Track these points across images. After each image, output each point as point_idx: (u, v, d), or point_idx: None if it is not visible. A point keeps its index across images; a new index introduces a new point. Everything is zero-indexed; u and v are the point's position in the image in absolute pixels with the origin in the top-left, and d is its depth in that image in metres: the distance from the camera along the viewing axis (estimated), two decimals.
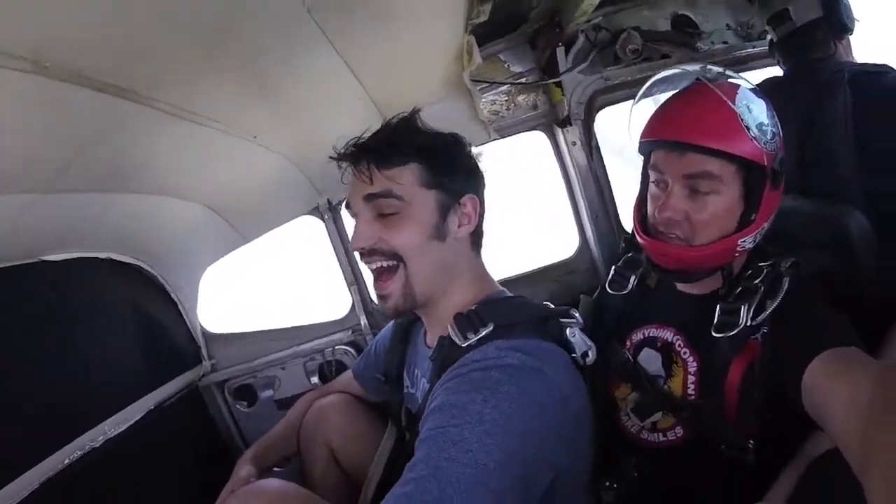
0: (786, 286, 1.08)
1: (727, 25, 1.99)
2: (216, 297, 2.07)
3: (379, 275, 1.15)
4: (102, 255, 1.63)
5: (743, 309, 1.09)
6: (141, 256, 1.77)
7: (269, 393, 2.05)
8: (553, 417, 0.95)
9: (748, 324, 1.07)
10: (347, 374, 1.72)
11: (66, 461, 1.35)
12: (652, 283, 1.39)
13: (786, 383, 0.97)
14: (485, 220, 1.23)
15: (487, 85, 1.96)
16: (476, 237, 1.22)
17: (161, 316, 1.89)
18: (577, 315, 1.12)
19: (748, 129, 1.09)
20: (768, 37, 1.72)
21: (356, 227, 1.14)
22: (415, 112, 1.19)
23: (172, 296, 1.91)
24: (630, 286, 1.38)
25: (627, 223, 2.02)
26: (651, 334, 1.30)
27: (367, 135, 1.15)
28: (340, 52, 1.28)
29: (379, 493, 1.44)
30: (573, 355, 1.07)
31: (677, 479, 1.19)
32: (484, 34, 1.75)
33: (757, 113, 1.12)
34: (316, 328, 2.08)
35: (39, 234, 1.32)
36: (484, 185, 1.24)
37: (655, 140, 1.19)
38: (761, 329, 1.09)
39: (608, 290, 1.42)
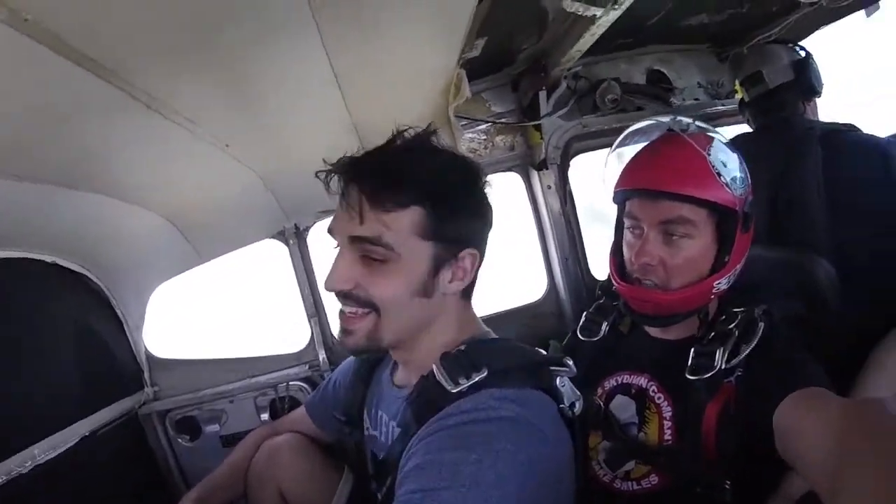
0: (760, 331, 1.11)
1: (698, 83, 2.10)
2: (164, 318, 1.93)
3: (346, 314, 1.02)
4: (48, 259, 1.50)
5: (718, 352, 1.10)
6: (88, 265, 1.64)
7: (214, 428, 1.90)
8: (544, 473, 0.88)
9: (723, 367, 1.09)
10: (300, 411, 1.59)
11: None
12: (625, 328, 1.39)
13: (758, 424, 0.98)
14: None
15: (468, 122, 1.96)
16: (468, 289, 1.08)
17: (104, 333, 1.75)
18: (570, 364, 1.02)
19: (719, 175, 1.14)
20: (737, 96, 1.81)
21: (335, 263, 0.99)
22: (431, 133, 1.03)
23: (118, 312, 1.77)
24: (602, 332, 1.38)
25: (596, 270, 2.05)
26: (624, 381, 1.29)
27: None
28: (333, 64, 1.20)
29: None
30: (560, 406, 0.97)
31: None
32: (469, 72, 1.76)
33: (725, 159, 1.17)
34: (270, 360, 1.97)
35: None
36: (490, 226, 1.07)
37: (631, 189, 1.23)
38: (735, 372, 1.10)
39: (579, 336, 1.41)
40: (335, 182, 1.01)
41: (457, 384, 0.92)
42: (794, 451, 0.88)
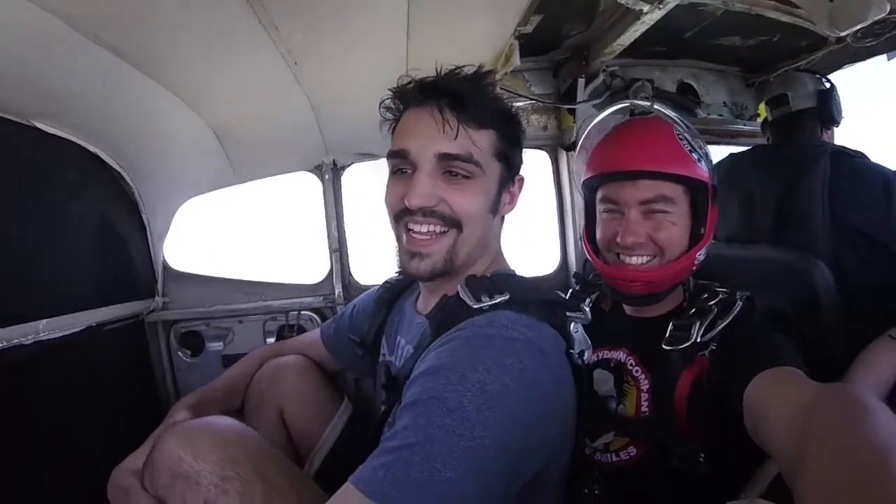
0: (737, 310, 1.14)
1: (724, 102, 2.25)
2: (185, 232, 1.93)
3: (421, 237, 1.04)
4: (90, 147, 1.51)
5: (695, 326, 1.14)
6: (126, 164, 1.64)
7: (217, 346, 1.90)
8: (547, 403, 0.89)
9: (698, 340, 1.12)
10: (309, 336, 1.60)
11: None
12: (606, 306, 1.44)
13: (730, 399, 0.99)
14: None
15: (510, 95, 2.06)
16: (505, 218, 1.17)
17: (126, 235, 1.74)
18: (586, 310, 1.06)
19: (691, 151, 1.22)
20: (759, 119, 1.95)
21: (418, 181, 0.99)
22: (490, 72, 1.09)
23: (144, 217, 1.77)
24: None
25: None
26: (603, 356, 1.32)
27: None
28: (410, 4, 1.25)
29: (325, 467, 1.37)
30: (571, 350, 1.00)
31: (633, 498, 1.19)
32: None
33: (691, 137, 1.25)
34: (285, 288, 1.98)
35: (41, 87, 1.20)
36: None
37: (608, 172, 1.28)
38: (710, 346, 1.12)
39: None
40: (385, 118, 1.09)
41: (479, 301, 0.96)
42: (761, 429, 0.88)
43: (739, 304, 1.14)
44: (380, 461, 0.76)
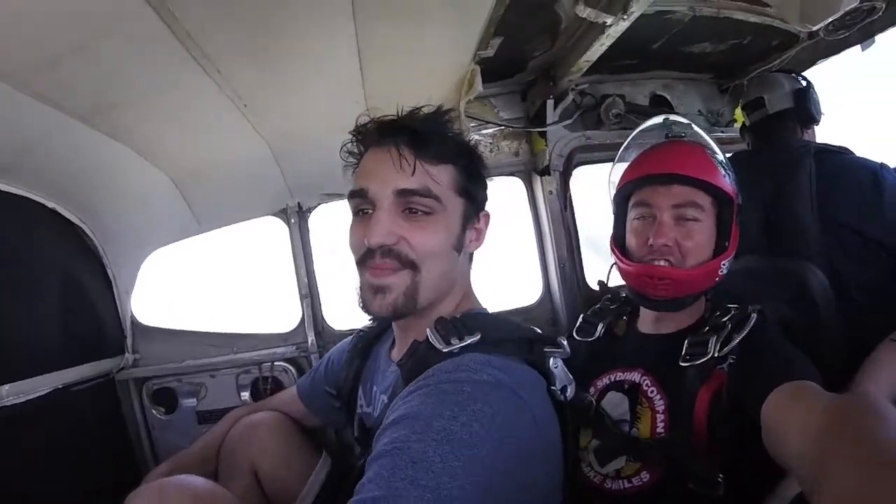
0: (752, 323, 1.14)
1: (699, 111, 2.20)
2: (151, 285, 1.90)
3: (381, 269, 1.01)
4: (48, 204, 1.49)
5: (711, 340, 1.14)
6: (87, 219, 1.62)
7: (191, 402, 1.84)
8: (523, 444, 0.83)
9: (715, 354, 1.12)
10: (287, 393, 1.56)
11: None
12: (620, 331, 1.42)
13: (748, 413, 0.99)
14: None
15: (478, 123, 2.03)
16: (473, 255, 1.14)
17: (91, 291, 1.71)
18: (564, 344, 1.01)
19: (720, 165, 1.28)
20: (737, 124, 1.90)
21: (378, 218, 0.97)
22: (447, 110, 1.08)
23: (109, 272, 1.74)
24: (597, 333, 1.41)
25: (591, 278, 2.07)
26: (617, 378, 1.29)
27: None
28: (360, 40, 1.26)
29: None
30: (552, 388, 0.96)
31: None
32: (482, 75, 1.83)
33: (721, 158, 1.31)
34: (257, 338, 1.93)
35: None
36: None
37: (643, 176, 1.30)
38: (728, 360, 1.12)
39: (575, 336, 1.44)
40: (347, 160, 1.08)
41: (448, 344, 0.92)
42: (779, 444, 0.88)
43: (754, 317, 1.15)
44: None
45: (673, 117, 1.46)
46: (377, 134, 1.03)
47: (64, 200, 1.55)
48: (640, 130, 1.49)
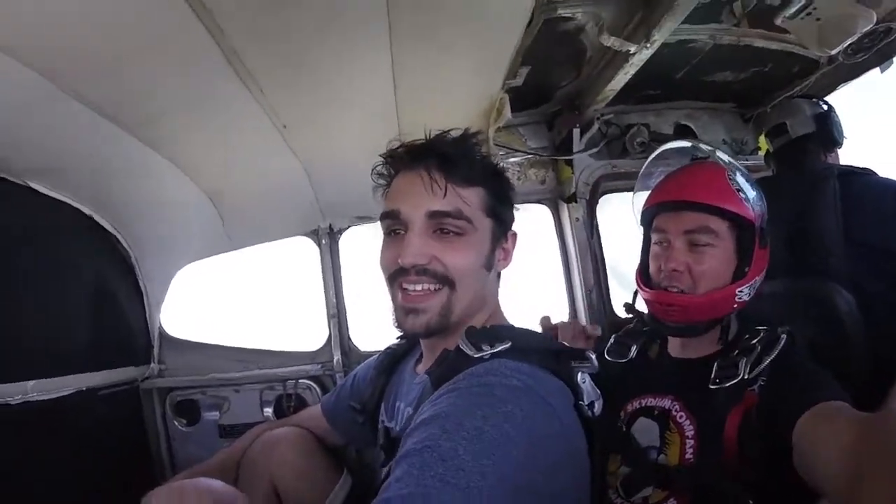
0: (782, 344, 1.14)
1: (723, 140, 2.22)
2: (181, 297, 1.93)
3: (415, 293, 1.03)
4: (86, 211, 1.55)
5: (742, 363, 1.13)
6: (123, 229, 1.68)
7: (213, 415, 1.84)
8: (554, 453, 0.82)
9: (746, 376, 1.11)
10: (310, 410, 1.55)
11: None
12: (653, 354, 1.40)
13: (779, 435, 0.98)
14: None
15: (506, 151, 2.08)
16: (501, 274, 1.16)
17: (122, 299, 1.74)
18: (592, 358, 0.99)
19: (738, 191, 1.25)
20: (761, 152, 1.91)
21: (409, 240, 0.99)
22: (475, 133, 1.10)
23: (141, 283, 1.78)
24: (631, 355, 1.39)
25: (617, 304, 2.05)
26: (647, 403, 1.27)
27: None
28: (395, 69, 1.30)
29: None
30: (580, 402, 0.94)
31: None
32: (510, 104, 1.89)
33: (743, 182, 1.28)
34: (283, 356, 1.94)
35: (38, 147, 1.24)
36: None
37: (657, 204, 1.33)
38: (758, 381, 1.11)
39: (606, 357, 1.42)
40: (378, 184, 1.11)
41: (479, 350, 0.92)
42: (811, 466, 0.87)
43: (783, 338, 1.15)
44: None
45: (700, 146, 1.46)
46: (408, 157, 1.06)
47: (101, 208, 1.61)
48: (661, 151, 1.48)
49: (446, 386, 0.88)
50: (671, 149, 1.47)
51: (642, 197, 1.40)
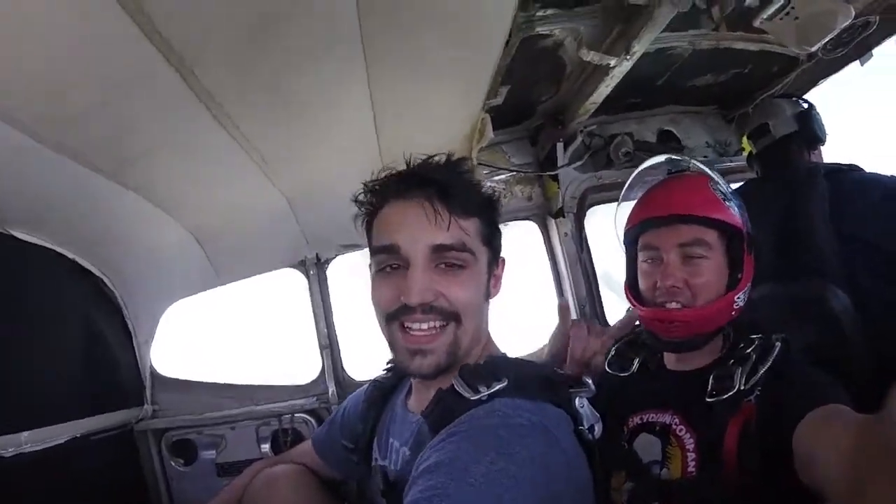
0: (776, 352, 1.13)
1: (707, 143, 2.23)
2: (171, 336, 1.92)
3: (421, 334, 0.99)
4: (69, 255, 1.54)
5: (737, 373, 1.12)
6: (108, 271, 1.67)
7: (210, 454, 1.82)
8: (561, 483, 0.82)
9: (741, 387, 1.10)
10: (304, 445, 1.53)
11: None
12: (653, 366, 1.38)
13: (779, 442, 0.97)
14: None
15: (490, 170, 2.08)
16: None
17: (111, 342, 1.73)
18: (589, 383, 0.98)
19: (724, 199, 1.25)
20: (744, 153, 1.91)
21: (412, 277, 0.95)
22: (465, 159, 1.08)
23: (129, 324, 1.77)
24: (633, 368, 1.37)
25: (611, 316, 2.03)
26: (649, 419, 1.26)
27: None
28: (373, 96, 1.28)
29: None
30: (580, 427, 0.94)
31: None
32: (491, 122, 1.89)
33: (724, 189, 1.29)
34: (277, 390, 1.92)
35: (16, 195, 1.24)
36: None
37: (646, 219, 1.30)
38: (755, 391, 1.10)
39: (606, 369, 1.40)
40: (358, 216, 1.07)
41: (476, 392, 0.90)
42: (812, 469, 0.87)
43: (778, 346, 1.14)
44: None
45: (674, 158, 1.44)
46: (402, 186, 1.00)
47: (85, 252, 1.60)
48: (640, 171, 1.45)
49: (447, 430, 0.86)
50: (648, 167, 1.44)
51: (624, 214, 1.38)
